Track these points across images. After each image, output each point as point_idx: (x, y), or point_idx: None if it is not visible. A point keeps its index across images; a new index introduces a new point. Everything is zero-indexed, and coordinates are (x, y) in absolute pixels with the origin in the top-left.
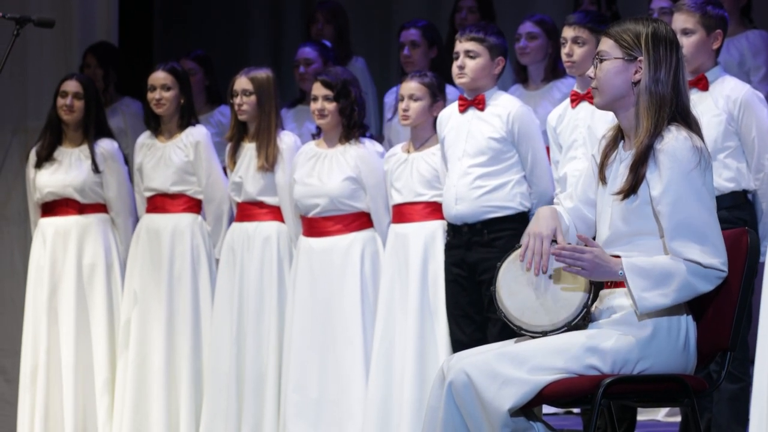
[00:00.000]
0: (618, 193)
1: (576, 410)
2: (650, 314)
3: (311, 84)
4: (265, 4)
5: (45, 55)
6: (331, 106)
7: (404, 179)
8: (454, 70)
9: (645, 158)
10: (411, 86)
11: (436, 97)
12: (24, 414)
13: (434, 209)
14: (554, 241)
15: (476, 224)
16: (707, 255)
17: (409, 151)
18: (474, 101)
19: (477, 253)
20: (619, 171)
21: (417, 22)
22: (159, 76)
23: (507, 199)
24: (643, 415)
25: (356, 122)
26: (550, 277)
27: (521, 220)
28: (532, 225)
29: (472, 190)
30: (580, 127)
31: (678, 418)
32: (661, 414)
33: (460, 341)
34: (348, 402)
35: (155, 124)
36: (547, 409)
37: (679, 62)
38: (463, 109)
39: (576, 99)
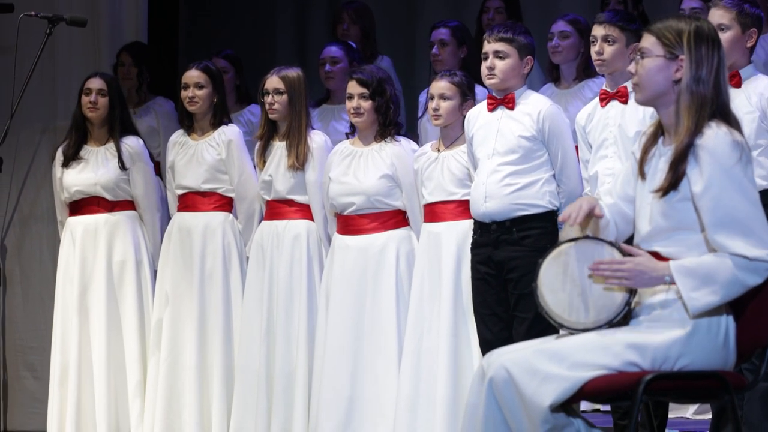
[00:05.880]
0: (658, 191)
1: (604, 408)
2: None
3: (336, 82)
4: (291, 5)
5: (74, 55)
6: (366, 105)
7: (435, 178)
8: (484, 70)
9: (685, 156)
10: (441, 85)
11: (466, 96)
12: (54, 411)
13: (466, 208)
14: (599, 239)
15: (505, 222)
16: (753, 247)
17: (439, 150)
18: (503, 100)
19: (505, 251)
20: (659, 166)
21: (448, 22)
22: (192, 75)
23: (536, 198)
24: (673, 413)
25: (391, 120)
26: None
27: (550, 218)
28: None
29: (502, 187)
30: (610, 126)
31: (707, 416)
32: (690, 411)
33: (486, 339)
34: (381, 401)
35: (188, 122)
36: None
37: (720, 61)
38: (492, 108)
39: (606, 98)
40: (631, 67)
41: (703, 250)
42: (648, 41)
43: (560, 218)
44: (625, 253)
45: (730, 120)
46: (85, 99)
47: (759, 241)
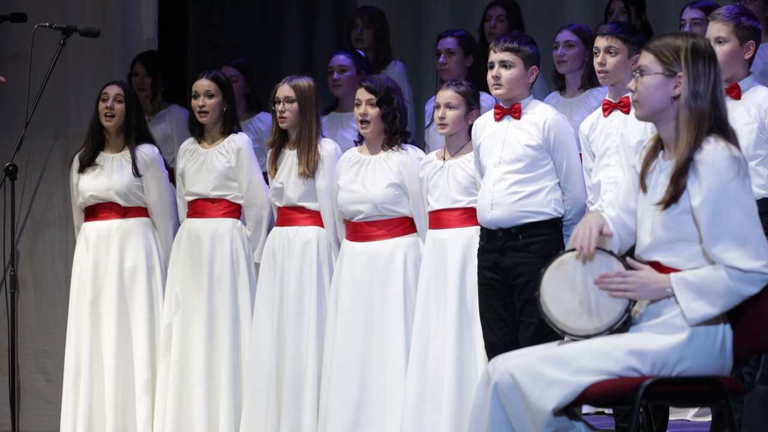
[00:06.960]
0: (659, 204)
1: (608, 410)
2: None
3: (344, 90)
4: (299, 13)
5: (85, 63)
6: (373, 111)
7: (441, 186)
8: (490, 80)
9: (685, 170)
10: (447, 95)
11: (472, 106)
12: (67, 414)
13: (471, 215)
14: (603, 250)
15: (511, 229)
16: (748, 259)
17: (444, 158)
18: (510, 110)
19: (511, 257)
20: (660, 180)
21: (454, 31)
22: (202, 84)
23: (542, 205)
24: (673, 415)
25: (398, 129)
26: (596, 283)
27: (555, 225)
28: (580, 221)
29: (508, 195)
30: (613, 136)
31: (706, 418)
32: (690, 414)
33: (492, 344)
34: (389, 404)
35: (199, 131)
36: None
37: (717, 76)
38: (498, 117)
39: (608, 108)
40: (631, 84)
41: (701, 260)
42: (646, 59)
43: (570, 244)
44: (627, 264)
45: (728, 134)
46: (101, 105)
47: (754, 253)
